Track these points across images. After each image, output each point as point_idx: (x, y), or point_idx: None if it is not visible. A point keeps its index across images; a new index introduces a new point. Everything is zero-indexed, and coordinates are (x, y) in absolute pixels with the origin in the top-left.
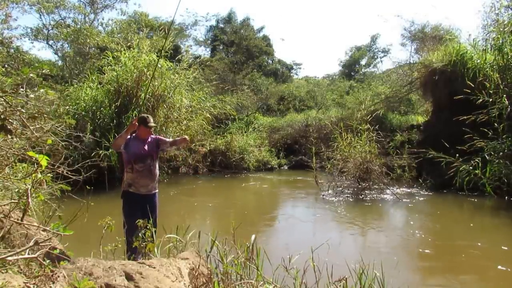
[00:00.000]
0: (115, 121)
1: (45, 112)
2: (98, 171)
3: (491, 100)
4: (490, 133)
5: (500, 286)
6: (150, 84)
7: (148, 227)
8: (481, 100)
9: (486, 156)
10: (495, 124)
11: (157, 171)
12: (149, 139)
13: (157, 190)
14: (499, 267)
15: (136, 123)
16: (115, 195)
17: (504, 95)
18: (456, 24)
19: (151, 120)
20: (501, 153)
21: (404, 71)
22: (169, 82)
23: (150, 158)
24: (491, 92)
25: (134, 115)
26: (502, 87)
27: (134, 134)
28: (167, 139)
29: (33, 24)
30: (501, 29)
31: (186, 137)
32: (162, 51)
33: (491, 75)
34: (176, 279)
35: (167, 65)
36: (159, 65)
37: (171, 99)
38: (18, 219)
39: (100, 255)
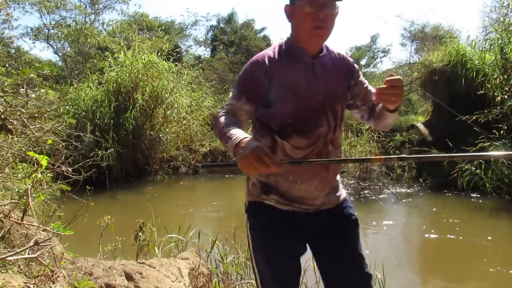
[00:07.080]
0: (112, 121)
1: (46, 112)
2: (98, 171)
3: (496, 99)
4: (496, 134)
5: (501, 287)
6: (149, 85)
7: None
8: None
9: None
10: (499, 125)
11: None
12: (327, 59)
13: (344, 196)
14: (501, 267)
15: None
16: (115, 195)
17: (506, 96)
18: (456, 25)
19: None
20: None
21: (404, 71)
22: (166, 82)
23: (330, 117)
24: (492, 93)
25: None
26: (501, 87)
27: (284, 48)
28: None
29: (33, 24)
30: (502, 29)
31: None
32: (161, 52)
33: (491, 75)
34: (176, 279)
35: (168, 66)
36: (159, 66)
37: (171, 98)
38: (18, 219)
39: (100, 255)
